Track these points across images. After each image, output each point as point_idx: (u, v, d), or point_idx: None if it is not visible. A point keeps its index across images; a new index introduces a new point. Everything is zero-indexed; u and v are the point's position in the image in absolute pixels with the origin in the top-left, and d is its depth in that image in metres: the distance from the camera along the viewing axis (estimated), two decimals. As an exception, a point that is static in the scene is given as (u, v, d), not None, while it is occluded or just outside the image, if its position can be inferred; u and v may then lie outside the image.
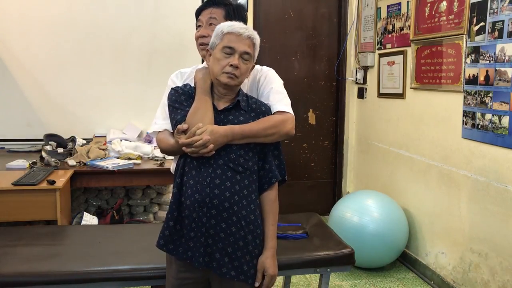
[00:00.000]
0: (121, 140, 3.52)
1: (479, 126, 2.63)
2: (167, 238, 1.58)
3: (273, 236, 1.63)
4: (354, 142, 4.37)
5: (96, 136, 3.75)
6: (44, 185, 2.63)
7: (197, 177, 1.53)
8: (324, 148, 4.50)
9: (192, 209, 1.52)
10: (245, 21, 1.73)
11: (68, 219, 2.97)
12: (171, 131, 1.65)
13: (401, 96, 3.48)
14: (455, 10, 2.81)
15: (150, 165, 3.21)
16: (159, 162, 3.22)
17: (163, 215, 3.64)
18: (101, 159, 3.18)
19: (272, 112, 1.64)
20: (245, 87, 1.72)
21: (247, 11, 4.04)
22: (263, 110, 1.63)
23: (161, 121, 1.70)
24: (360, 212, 3.13)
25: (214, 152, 1.51)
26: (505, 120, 2.43)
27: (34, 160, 3.12)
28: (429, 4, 3.09)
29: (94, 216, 3.08)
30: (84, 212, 3.04)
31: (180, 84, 1.73)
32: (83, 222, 2.90)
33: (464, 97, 2.74)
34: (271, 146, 1.64)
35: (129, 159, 3.26)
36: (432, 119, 3.10)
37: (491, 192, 2.57)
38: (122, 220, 3.47)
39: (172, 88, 1.67)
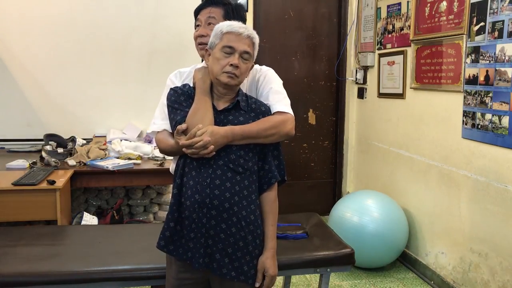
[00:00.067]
0: (121, 140, 3.52)
1: (479, 126, 2.63)
2: (168, 239, 1.58)
3: (273, 237, 1.62)
4: (354, 142, 4.37)
5: (96, 136, 3.75)
6: (44, 185, 2.63)
7: (197, 177, 1.53)
8: (324, 148, 4.50)
9: (192, 210, 1.52)
10: (244, 20, 1.72)
11: (68, 219, 2.97)
12: (170, 131, 1.65)
13: (401, 96, 3.48)
14: (455, 10, 2.81)
15: (150, 165, 3.21)
16: (159, 162, 3.22)
17: (163, 215, 3.64)
18: (101, 159, 3.18)
19: (272, 112, 1.64)
20: (244, 87, 1.71)
21: (247, 11, 4.04)
22: (263, 110, 1.62)
23: (160, 121, 1.69)
24: (360, 212, 3.13)
25: (214, 153, 1.51)
26: (505, 120, 2.43)
27: (34, 160, 3.12)
28: (429, 4, 3.09)
29: (94, 216, 3.08)
30: (84, 212, 3.04)
31: (179, 84, 1.72)
32: (83, 222, 2.90)
33: (464, 97, 2.74)
34: (271, 147, 1.64)
35: (129, 159, 3.26)
36: (432, 119, 3.10)
37: (491, 192, 2.57)
38: (122, 220, 3.47)
39: (171, 88, 1.66)
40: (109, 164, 3.07)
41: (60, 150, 3.21)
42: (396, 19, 3.54)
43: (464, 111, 2.75)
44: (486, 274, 2.62)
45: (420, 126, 3.24)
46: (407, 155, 3.40)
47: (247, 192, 1.55)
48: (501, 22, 2.42)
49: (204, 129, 1.49)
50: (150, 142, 3.64)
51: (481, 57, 2.58)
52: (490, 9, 2.50)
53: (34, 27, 3.68)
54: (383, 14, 3.72)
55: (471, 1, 2.66)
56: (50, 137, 3.37)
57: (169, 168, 1.84)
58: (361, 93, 4.17)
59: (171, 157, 1.86)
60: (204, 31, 1.72)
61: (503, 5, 2.41)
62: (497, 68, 2.47)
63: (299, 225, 2.38)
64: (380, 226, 3.07)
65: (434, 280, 3.08)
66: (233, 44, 1.53)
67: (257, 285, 1.60)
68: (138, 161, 3.26)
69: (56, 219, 2.65)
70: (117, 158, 3.28)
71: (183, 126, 1.51)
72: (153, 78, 3.85)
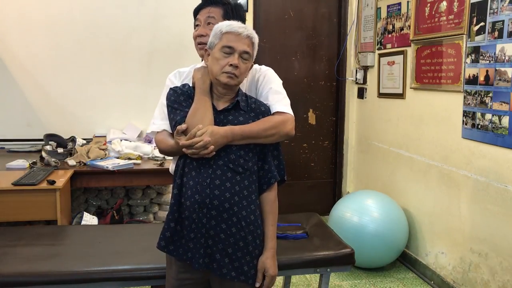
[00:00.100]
0: (121, 140, 3.52)
1: (479, 126, 2.62)
2: (168, 239, 1.58)
3: (273, 237, 1.62)
4: (354, 142, 4.37)
5: (96, 136, 3.75)
6: (44, 185, 2.63)
7: (197, 178, 1.52)
8: (324, 148, 4.50)
9: (192, 210, 1.52)
10: (243, 20, 1.72)
11: (68, 219, 2.97)
12: (170, 131, 1.64)
13: (401, 96, 3.48)
14: (455, 10, 2.81)
15: (150, 165, 3.21)
16: (159, 162, 3.22)
17: (163, 215, 3.64)
18: (101, 159, 3.18)
19: (272, 112, 1.63)
20: (244, 86, 1.71)
21: (247, 11, 4.04)
22: (262, 110, 1.62)
23: (159, 121, 1.69)
24: (360, 212, 3.13)
25: (214, 153, 1.50)
26: (505, 120, 2.43)
27: (34, 160, 3.12)
28: (429, 4, 3.09)
29: (94, 216, 3.08)
30: (84, 212, 3.04)
31: (178, 84, 1.72)
32: (83, 222, 2.90)
33: (464, 97, 2.74)
34: (271, 147, 1.64)
35: (129, 159, 3.26)
36: (432, 119, 3.10)
37: (491, 192, 2.57)
38: (122, 220, 3.47)
39: (170, 88, 1.66)
40: (109, 164, 3.07)
41: (60, 150, 3.21)
42: (396, 19, 3.54)
43: (464, 111, 2.75)
44: (486, 274, 2.62)
45: (420, 126, 3.24)
46: (407, 155, 3.40)
47: (247, 192, 1.55)
48: (501, 22, 2.42)
49: (204, 129, 1.49)
50: (150, 142, 3.64)
51: (481, 57, 2.58)
52: (490, 9, 2.50)
53: (34, 27, 3.68)
54: (383, 14, 3.72)
55: (471, 1, 2.66)
56: (50, 137, 3.36)
57: (169, 168, 1.84)
58: (361, 93, 4.17)
59: (171, 157, 1.85)
60: (203, 31, 1.72)
61: (503, 5, 2.41)
62: (497, 68, 2.47)
63: (299, 225, 2.38)
64: (380, 226, 3.07)
65: (434, 280, 3.08)
66: (233, 44, 1.53)
67: (257, 285, 1.60)
68: (138, 161, 3.26)
69: (56, 219, 2.65)
70: (117, 158, 3.28)
71: (183, 126, 1.51)
72: (153, 78, 3.85)
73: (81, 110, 3.80)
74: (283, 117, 1.62)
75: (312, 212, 2.61)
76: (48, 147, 3.18)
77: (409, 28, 3.33)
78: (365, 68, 4.08)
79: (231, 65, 1.52)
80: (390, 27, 3.63)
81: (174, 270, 1.62)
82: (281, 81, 1.74)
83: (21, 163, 3.04)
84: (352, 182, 4.42)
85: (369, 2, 3.95)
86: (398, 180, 3.54)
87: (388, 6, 3.64)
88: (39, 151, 3.32)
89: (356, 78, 4.19)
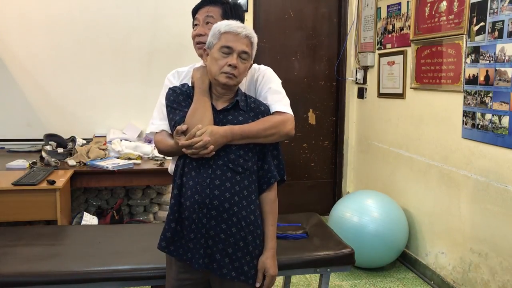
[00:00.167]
0: (121, 140, 3.52)
1: (479, 126, 2.62)
2: (169, 240, 1.58)
3: (273, 237, 1.62)
4: (354, 142, 4.37)
5: (96, 136, 3.75)
6: (44, 185, 2.63)
7: (197, 178, 1.52)
8: (324, 148, 4.50)
9: (192, 210, 1.52)
10: (242, 20, 1.71)
11: (68, 219, 2.97)
12: (169, 131, 1.64)
13: (401, 96, 3.48)
14: (455, 10, 2.81)
15: (150, 165, 3.21)
16: (159, 162, 3.22)
17: (163, 215, 3.64)
18: (101, 159, 3.18)
19: (271, 112, 1.63)
20: (243, 86, 1.70)
21: (247, 10, 4.04)
22: (262, 110, 1.62)
23: (158, 121, 1.68)
24: (360, 212, 3.13)
25: (214, 153, 1.50)
26: (505, 120, 2.43)
27: (34, 160, 3.12)
28: (429, 4, 3.09)
29: (94, 216, 3.08)
30: (84, 212, 3.04)
31: (177, 84, 1.71)
32: (83, 222, 2.91)
33: (464, 97, 2.74)
34: (270, 146, 1.63)
35: (129, 159, 3.26)
36: (432, 119, 3.10)
37: (491, 192, 2.57)
38: (122, 220, 3.47)
39: (169, 88, 1.65)
40: (109, 164, 3.07)
41: (60, 150, 3.21)
42: (396, 19, 3.53)
43: (464, 111, 2.75)
44: (486, 274, 2.62)
45: (420, 126, 3.24)
46: (407, 155, 3.40)
47: (247, 192, 1.55)
48: (501, 22, 2.42)
49: (204, 129, 1.48)
50: (150, 142, 3.64)
51: (481, 57, 2.58)
52: (490, 9, 2.50)
53: (34, 27, 3.68)
54: (383, 14, 3.72)
55: (471, 1, 2.66)
56: (50, 137, 3.37)
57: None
58: (361, 93, 4.17)
59: (171, 158, 1.85)
60: (202, 30, 1.71)
61: (503, 5, 2.41)
62: (497, 68, 2.47)
63: (299, 225, 2.38)
64: (380, 226, 3.07)
65: (434, 280, 3.08)
66: (231, 44, 1.52)
67: (257, 285, 1.59)
68: (138, 161, 3.26)
69: (56, 219, 2.65)
70: (117, 158, 3.28)
71: (183, 127, 1.51)
72: (153, 78, 3.85)
73: (81, 110, 3.80)
74: (283, 117, 1.62)
75: (312, 212, 2.61)
76: (48, 147, 3.18)
77: (409, 28, 3.32)
78: (365, 68, 4.08)
79: (230, 65, 1.51)
80: (390, 27, 3.63)
81: (174, 270, 1.61)
82: (280, 81, 1.74)
83: (21, 163, 3.04)
84: (352, 182, 4.42)
85: (369, 2, 3.95)
86: (398, 180, 3.54)
87: (388, 6, 3.64)
88: (39, 151, 3.32)
89: (356, 78, 4.19)
